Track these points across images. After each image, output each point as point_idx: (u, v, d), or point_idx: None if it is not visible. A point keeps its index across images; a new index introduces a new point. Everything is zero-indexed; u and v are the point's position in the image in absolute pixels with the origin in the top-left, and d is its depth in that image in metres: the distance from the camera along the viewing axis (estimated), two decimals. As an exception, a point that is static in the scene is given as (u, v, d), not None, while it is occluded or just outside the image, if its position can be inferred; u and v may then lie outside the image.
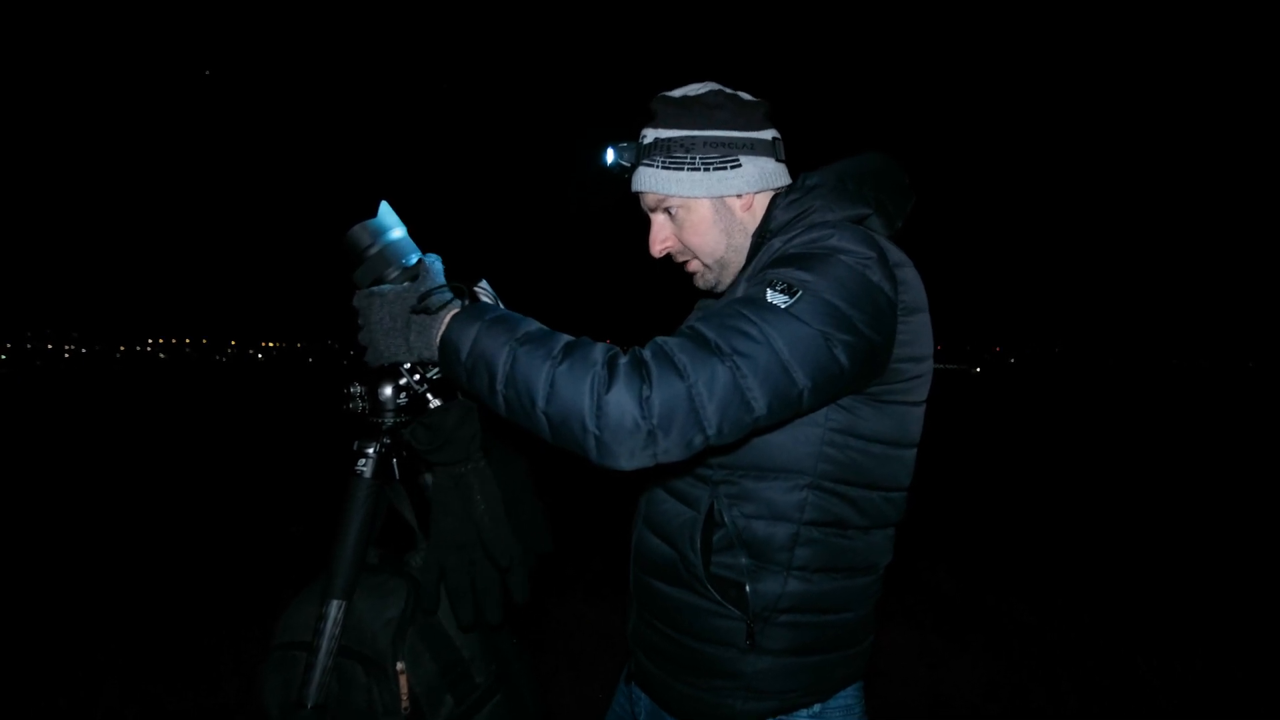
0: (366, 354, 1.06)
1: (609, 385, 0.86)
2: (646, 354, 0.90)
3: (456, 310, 1.01)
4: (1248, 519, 6.56)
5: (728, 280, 1.22)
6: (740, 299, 0.98)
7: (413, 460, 1.29)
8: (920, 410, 1.15)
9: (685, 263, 1.24)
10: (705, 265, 1.21)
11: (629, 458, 0.87)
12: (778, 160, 1.19)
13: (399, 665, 1.18)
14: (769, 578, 1.08)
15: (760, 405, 0.90)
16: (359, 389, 1.24)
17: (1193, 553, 5.40)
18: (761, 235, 1.15)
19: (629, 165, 1.20)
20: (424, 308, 1.01)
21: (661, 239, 1.22)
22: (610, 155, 1.20)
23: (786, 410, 0.94)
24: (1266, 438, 13.44)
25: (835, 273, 0.97)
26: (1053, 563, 5.11)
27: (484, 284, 1.10)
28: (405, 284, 1.06)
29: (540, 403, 0.89)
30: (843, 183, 1.14)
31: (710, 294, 1.29)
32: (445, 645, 1.25)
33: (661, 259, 1.25)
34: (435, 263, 1.11)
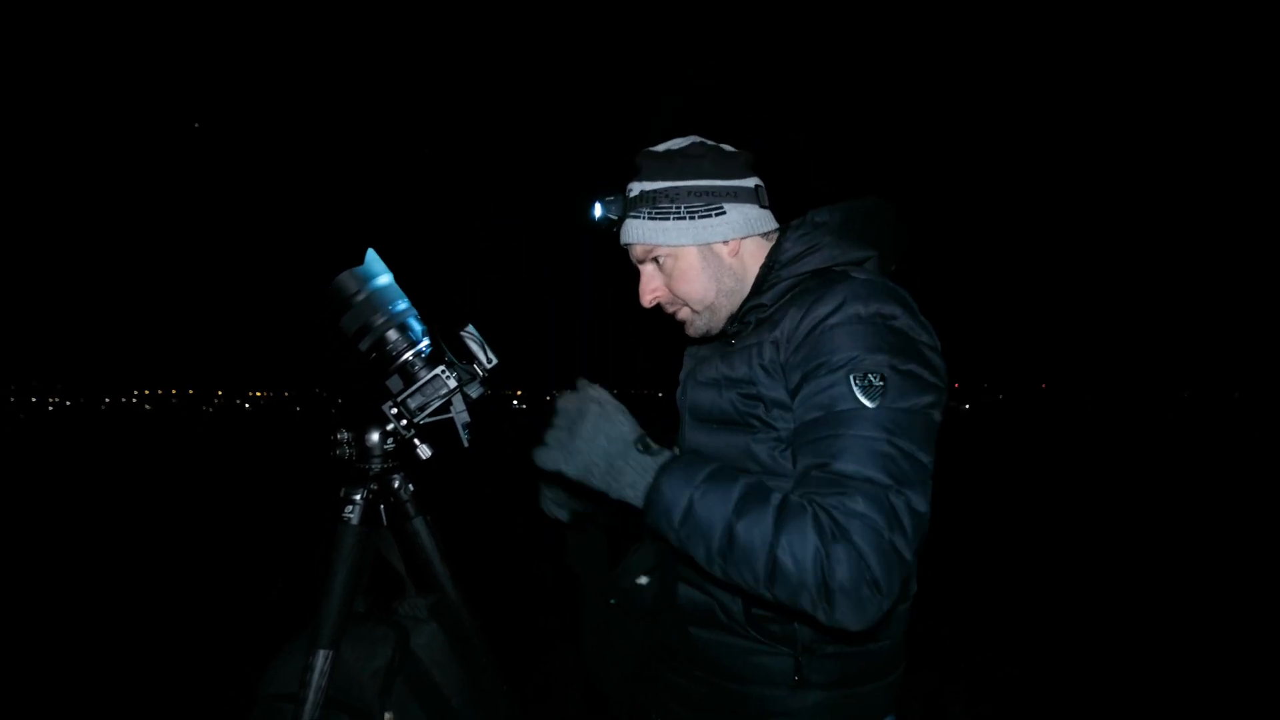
0: (548, 453, 1.03)
1: (831, 567, 0.88)
2: (842, 521, 0.90)
3: (667, 460, 1.00)
4: (1242, 554, 6.55)
5: (719, 324, 1.23)
6: (840, 413, 0.98)
7: (400, 506, 1.28)
8: None
9: (675, 312, 1.25)
10: (695, 312, 1.22)
11: (860, 624, 0.89)
12: (761, 206, 1.21)
13: (387, 716, 1.16)
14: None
15: (925, 508, 0.94)
16: (346, 435, 1.24)
17: (1189, 591, 5.38)
18: (770, 267, 1.17)
19: (616, 218, 1.22)
20: (645, 446, 1.00)
21: (651, 289, 1.23)
22: (598, 210, 1.21)
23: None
24: (1255, 468, 13.50)
25: (890, 340, 1.01)
26: (1048, 603, 5.08)
27: (470, 329, 1.11)
28: (614, 407, 1.04)
29: (763, 580, 0.91)
30: (849, 222, 1.17)
31: (703, 339, 1.29)
32: (433, 695, 1.23)
33: (652, 309, 1.26)
34: (472, 332, 1.11)
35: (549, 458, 1.03)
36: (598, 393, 1.06)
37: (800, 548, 0.89)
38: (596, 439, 1.01)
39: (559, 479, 1.05)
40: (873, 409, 0.96)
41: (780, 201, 1.26)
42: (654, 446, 1.00)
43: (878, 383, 0.97)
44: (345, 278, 1.14)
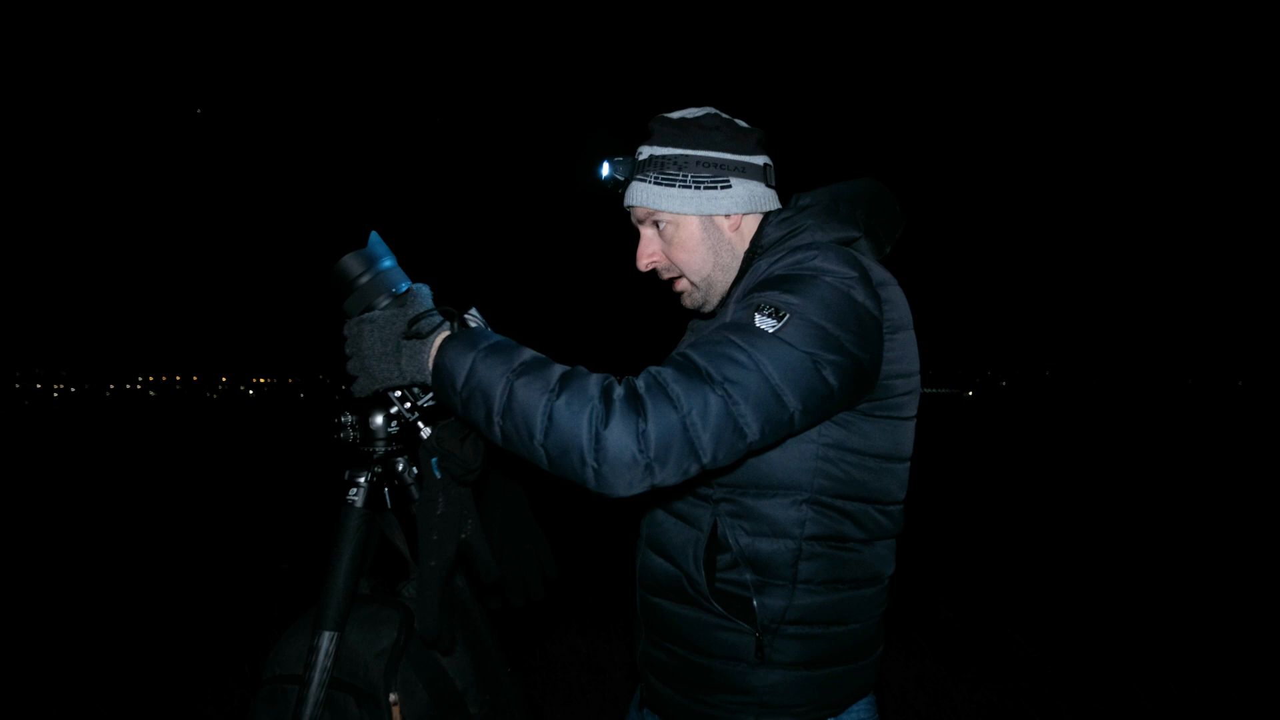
0: (356, 382, 1.06)
1: (606, 420, 0.87)
2: (640, 385, 0.92)
3: (447, 334, 1.02)
4: (1245, 540, 6.56)
5: (715, 300, 1.24)
6: (729, 324, 1.00)
7: (404, 489, 1.29)
8: (911, 425, 1.17)
9: (673, 280, 1.26)
10: (693, 284, 1.23)
11: (626, 488, 0.89)
12: (768, 185, 1.21)
13: (392, 697, 1.17)
14: (775, 592, 1.09)
15: (753, 431, 0.92)
16: (350, 419, 1.24)
17: (1192, 577, 5.39)
18: (753, 253, 1.18)
19: (623, 179, 1.23)
20: (415, 331, 1.02)
21: (649, 253, 1.24)
22: (606, 169, 1.23)
23: (779, 433, 0.96)
24: (1259, 455, 13.48)
25: (820, 294, 1.00)
26: (1050, 589, 5.09)
27: (474, 311, 1.11)
28: (394, 310, 1.07)
29: (538, 436, 0.90)
30: (835, 205, 1.17)
31: (699, 314, 1.30)
32: (439, 676, 1.24)
33: (648, 275, 1.27)
34: (424, 290, 1.12)
35: (359, 387, 1.06)
36: (374, 311, 1.08)
37: (579, 400, 0.89)
38: (375, 346, 1.04)
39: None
40: (761, 331, 0.96)
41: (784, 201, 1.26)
42: (426, 328, 1.02)
43: (782, 315, 0.97)
44: (348, 260, 1.14)
